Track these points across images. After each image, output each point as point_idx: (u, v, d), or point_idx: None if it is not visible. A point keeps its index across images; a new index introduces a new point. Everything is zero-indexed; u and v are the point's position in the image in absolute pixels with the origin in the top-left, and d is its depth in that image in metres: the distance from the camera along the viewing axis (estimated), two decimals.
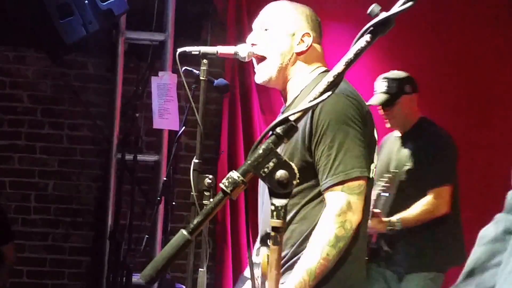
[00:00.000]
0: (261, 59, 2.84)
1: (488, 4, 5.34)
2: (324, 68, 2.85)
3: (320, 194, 2.68)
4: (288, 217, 2.64)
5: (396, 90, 4.51)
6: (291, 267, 2.65)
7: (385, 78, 4.57)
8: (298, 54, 2.82)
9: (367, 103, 4.38)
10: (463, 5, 5.34)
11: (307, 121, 2.65)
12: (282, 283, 2.59)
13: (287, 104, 2.84)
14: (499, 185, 5.11)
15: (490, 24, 5.37)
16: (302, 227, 2.68)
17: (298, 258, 2.64)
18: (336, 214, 2.59)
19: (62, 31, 4.74)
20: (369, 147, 2.71)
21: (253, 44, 2.84)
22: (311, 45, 2.83)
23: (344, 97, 2.66)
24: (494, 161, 5.36)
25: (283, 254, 2.57)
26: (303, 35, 2.82)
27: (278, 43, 2.81)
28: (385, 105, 4.51)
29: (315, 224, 2.65)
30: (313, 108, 1.58)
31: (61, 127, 5.85)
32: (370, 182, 2.74)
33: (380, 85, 4.56)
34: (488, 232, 1.55)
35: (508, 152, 5.07)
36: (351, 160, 2.62)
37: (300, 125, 2.56)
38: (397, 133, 4.68)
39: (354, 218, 2.62)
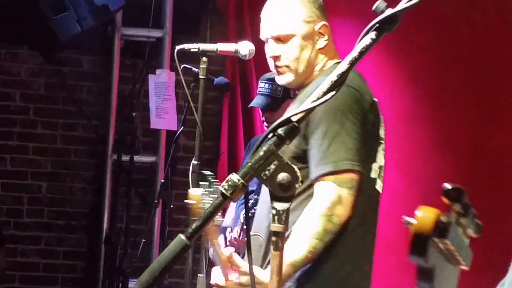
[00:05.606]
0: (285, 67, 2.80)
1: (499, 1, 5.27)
2: (336, 60, 2.83)
3: (311, 185, 2.65)
4: None
5: (281, 94, 4.26)
6: None
7: (269, 79, 4.30)
8: (321, 49, 2.79)
9: (249, 105, 4.35)
10: (473, 2, 5.27)
11: None
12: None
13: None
14: (509, 186, 4.96)
15: (501, 20, 5.28)
16: (290, 218, 2.59)
17: None
18: (325, 206, 2.55)
19: (56, 28, 4.75)
20: (369, 143, 2.67)
21: (275, 57, 2.78)
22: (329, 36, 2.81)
23: (345, 87, 2.60)
24: (503, 161, 5.27)
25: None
26: (320, 28, 2.78)
27: (301, 52, 2.77)
28: (268, 109, 4.29)
29: None
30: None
31: (55, 127, 5.80)
32: (369, 180, 2.68)
33: (264, 87, 4.33)
34: None
35: None
36: (342, 152, 2.60)
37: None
38: None
39: (342, 212, 2.57)
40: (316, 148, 2.60)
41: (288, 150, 2.64)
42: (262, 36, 2.82)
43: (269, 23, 2.79)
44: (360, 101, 2.65)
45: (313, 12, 2.77)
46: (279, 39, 2.76)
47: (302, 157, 2.64)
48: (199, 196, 2.64)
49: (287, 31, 2.75)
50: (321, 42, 2.77)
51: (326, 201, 2.55)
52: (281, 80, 2.81)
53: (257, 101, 4.26)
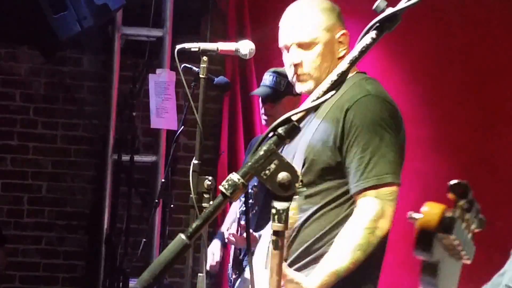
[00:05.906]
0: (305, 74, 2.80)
1: (500, 1, 5.26)
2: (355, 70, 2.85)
3: (341, 196, 2.70)
4: (305, 216, 2.69)
5: (284, 88, 4.30)
6: (305, 266, 2.68)
7: (275, 72, 4.36)
8: (340, 59, 2.79)
9: (250, 93, 4.43)
10: (474, 2, 5.26)
11: (340, 120, 2.66)
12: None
13: None
14: (509, 186, 4.94)
15: (501, 20, 5.27)
16: (314, 225, 2.71)
17: (313, 258, 2.68)
18: (369, 219, 2.61)
19: (56, 27, 4.71)
20: (402, 156, 2.72)
21: (297, 64, 2.78)
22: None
23: (381, 100, 2.69)
24: (503, 161, 5.26)
25: (292, 250, 2.68)
26: (340, 37, 2.79)
27: (322, 61, 2.78)
28: (268, 99, 4.33)
29: (331, 226, 2.68)
30: (319, 106, 1.54)
31: (55, 126, 5.79)
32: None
33: (268, 79, 4.38)
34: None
35: None
36: (385, 165, 2.64)
37: (332, 123, 2.65)
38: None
39: (385, 226, 2.64)
40: (356, 161, 2.64)
41: (320, 161, 2.69)
42: (282, 43, 2.80)
43: (290, 30, 2.77)
44: (395, 115, 2.71)
45: (333, 20, 2.78)
46: (301, 46, 2.75)
47: (334, 169, 2.69)
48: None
49: (309, 38, 2.74)
50: (341, 51, 2.79)
51: (370, 215, 2.61)
52: (302, 88, 2.80)
53: (259, 90, 4.27)
